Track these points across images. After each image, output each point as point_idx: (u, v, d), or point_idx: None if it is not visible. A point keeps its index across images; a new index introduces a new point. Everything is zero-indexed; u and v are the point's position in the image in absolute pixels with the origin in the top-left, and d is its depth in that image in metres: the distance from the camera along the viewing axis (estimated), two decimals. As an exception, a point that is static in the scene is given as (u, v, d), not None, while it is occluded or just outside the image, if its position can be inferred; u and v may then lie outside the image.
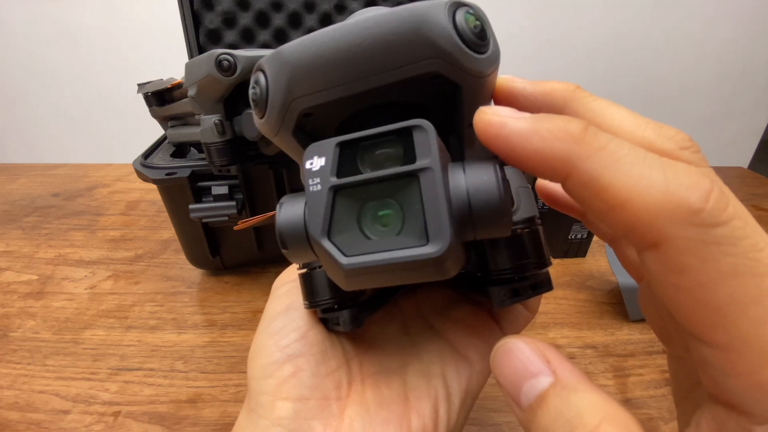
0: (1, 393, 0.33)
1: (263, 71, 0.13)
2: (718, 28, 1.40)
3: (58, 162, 0.84)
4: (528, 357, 0.11)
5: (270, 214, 0.33)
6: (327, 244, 0.11)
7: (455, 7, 0.12)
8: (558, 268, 0.48)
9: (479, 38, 0.13)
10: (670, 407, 0.32)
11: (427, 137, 0.11)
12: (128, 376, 0.35)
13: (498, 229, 0.12)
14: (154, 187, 0.40)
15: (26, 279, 0.47)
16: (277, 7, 0.60)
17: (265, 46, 0.61)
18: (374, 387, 0.18)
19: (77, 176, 0.77)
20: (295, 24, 0.61)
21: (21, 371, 0.35)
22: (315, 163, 0.12)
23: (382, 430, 0.16)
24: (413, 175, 0.11)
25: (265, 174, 0.40)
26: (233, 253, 0.46)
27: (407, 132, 0.12)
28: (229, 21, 0.59)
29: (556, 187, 0.19)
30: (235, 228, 0.35)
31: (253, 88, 0.14)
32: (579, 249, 0.50)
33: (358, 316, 0.17)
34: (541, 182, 0.19)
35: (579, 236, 0.49)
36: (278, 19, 0.60)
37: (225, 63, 0.31)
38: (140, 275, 0.48)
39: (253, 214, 0.42)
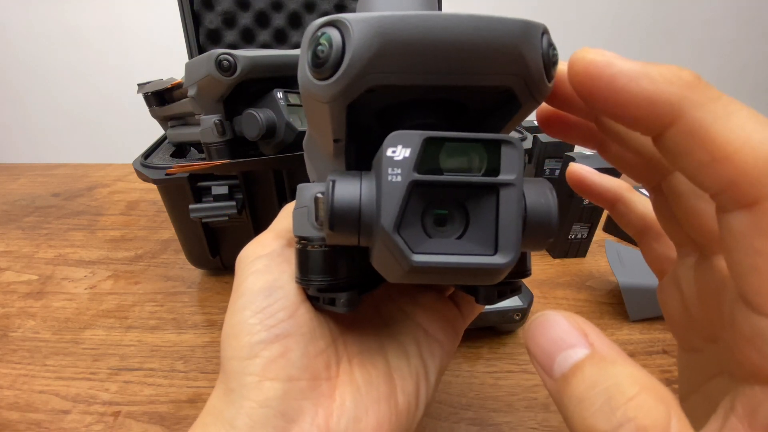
0: (1, 393, 0.33)
1: (340, 30, 0.12)
2: (718, 28, 1.40)
3: (58, 162, 0.84)
4: (565, 329, 0.11)
5: (214, 163, 0.33)
6: (397, 238, 0.12)
7: (543, 32, 0.13)
8: (558, 268, 0.48)
9: (553, 67, 0.13)
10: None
11: (515, 154, 0.12)
12: (128, 376, 0.35)
13: (539, 246, 0.13)
14: (154, 187, 0.40)
15: (26, 279, 0.47)
16: (277, 7, 0.60)
17: (265, 46, 0.61)
18: (361, 367, 0.18)
19: (77, 176, 0.77)
20: (295, 24, 0.61)
21: (21, 371, 0.35)
22: (398, 152, 0.12)
23: (374, 409, 0.17)
24: (492, 187, 0.12)
25: (265, 174, 0.40)
26: (233, 253, 0.46)
27: (494, 144, 0.12)
28: (229, 21, 0.59)
29: (588, 176, 0.18)
30: (168, 172, 0.35)
31: (321, 44, 0.12)
32: (579, 249, 0.50)
33: (356, 298, 0.17)
34: (574, 170, 0.19)
35: (579, 236, 0.49)
36: (278, 19, 0.60)
37: (225, 63, 0.31)
38: (140, 275, 0.48)
39: (253, 215, 0.42)
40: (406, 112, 0.15)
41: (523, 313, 0.36)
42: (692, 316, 0.14)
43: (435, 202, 0.12)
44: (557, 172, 0.50)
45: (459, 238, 0.12)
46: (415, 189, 0.12)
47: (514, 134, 0.52)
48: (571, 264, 0.49)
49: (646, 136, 0.11)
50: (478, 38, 0.12)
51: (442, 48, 0.12)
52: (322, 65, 0.12)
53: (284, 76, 0.37)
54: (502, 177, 0.12)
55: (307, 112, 0.15)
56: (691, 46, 1.39)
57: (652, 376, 0.10)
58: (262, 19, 0.60)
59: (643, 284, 0.39)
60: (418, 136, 0.12)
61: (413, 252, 0.12)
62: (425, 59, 0.12)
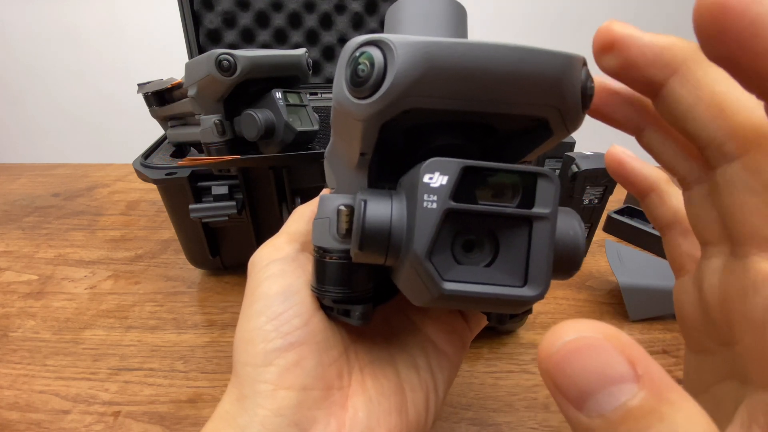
0: (1, 393, 0.33)
1: (382, 50, 0.12)
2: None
3: (58, 162, 0.84)
4: (609, 356, 0.08)
5: (225, 158, 0.34)
6: (428, 266, 0.12)
7: (583, 64, 0.13)
8: (558, 268, 0.48)
9: (591, 99, 0.13)
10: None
11: (551, 188, 0.12)
12: (128, 376, 0.35)
13: (564, 277, 0.13)
14: (154, 187, 0.40)
15: (26, 279, 0.47)
16: (277, 7, 0.60)
17: (265, 46, 0.61)
18: (373, 377, 0.18)
19: (77, 176, 0.77)
20: (295, 24, 0.61)
21: (21, 371, 0.35)
22: (435, 179, 0.12)
23: (386, 420, 0.16)
24: (525, 218, 0.12)
25: (265, 174, 0.40)
26: (233, 253, 0.46)
27: (531, 176, 0.12)
28: (229, 21, 0.59)
29: (629, 161, 0.18)
30: (179, 163, 0.35)
31: (361, 64, 0.12)
32: (579, 249, 0.50)
33: (371, 311, 0.17)
34: (614, 152, 0.18)
35: (579, 236, 0.49)
36: (278, 19, 0.60)
37: (225, 63, 0.31)
38: (140, 275, 0.48)
39: (253, 215, 0.42)
40: (435, 132, 0.15)
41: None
42: (709, 318, 0.14)
43: (466, 230, 0.12)
44: (557, 171, 0.50)
45: (487, 266, 0.12)
46: (448, 216, 0.12)
47: None
48: (571, 264, 0.49)
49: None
50: (522, 70, 0.12)
51: (485, 77, 0.12)
52: (362, 84, 0.12)
53: (284, 76, 0.37)
54: (537, 210, 0.12)
55: (337, 126, 0.15)
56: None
57: (707, 416, 0.08)
58: (262, 19, 0.60)
59: (643, 284, 0.39)
60: (456, 164, 0.12)
61: (443, 279, 0.12)
62: (468, 87, 0.12)
